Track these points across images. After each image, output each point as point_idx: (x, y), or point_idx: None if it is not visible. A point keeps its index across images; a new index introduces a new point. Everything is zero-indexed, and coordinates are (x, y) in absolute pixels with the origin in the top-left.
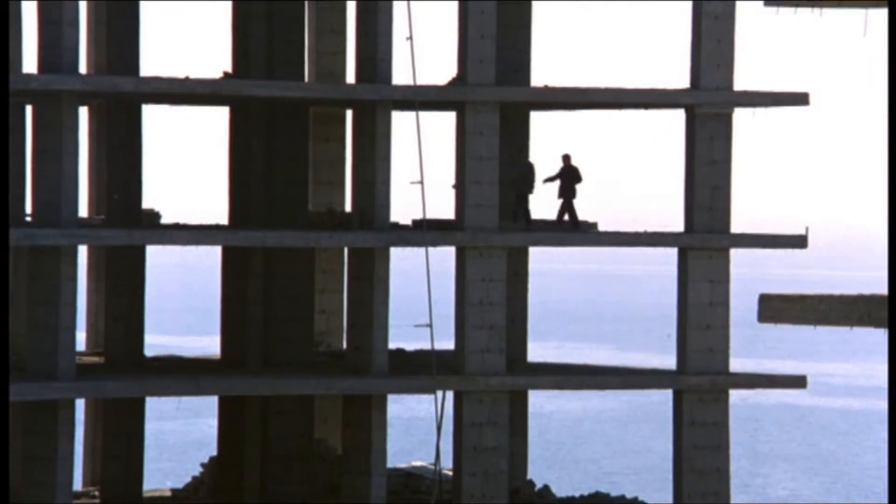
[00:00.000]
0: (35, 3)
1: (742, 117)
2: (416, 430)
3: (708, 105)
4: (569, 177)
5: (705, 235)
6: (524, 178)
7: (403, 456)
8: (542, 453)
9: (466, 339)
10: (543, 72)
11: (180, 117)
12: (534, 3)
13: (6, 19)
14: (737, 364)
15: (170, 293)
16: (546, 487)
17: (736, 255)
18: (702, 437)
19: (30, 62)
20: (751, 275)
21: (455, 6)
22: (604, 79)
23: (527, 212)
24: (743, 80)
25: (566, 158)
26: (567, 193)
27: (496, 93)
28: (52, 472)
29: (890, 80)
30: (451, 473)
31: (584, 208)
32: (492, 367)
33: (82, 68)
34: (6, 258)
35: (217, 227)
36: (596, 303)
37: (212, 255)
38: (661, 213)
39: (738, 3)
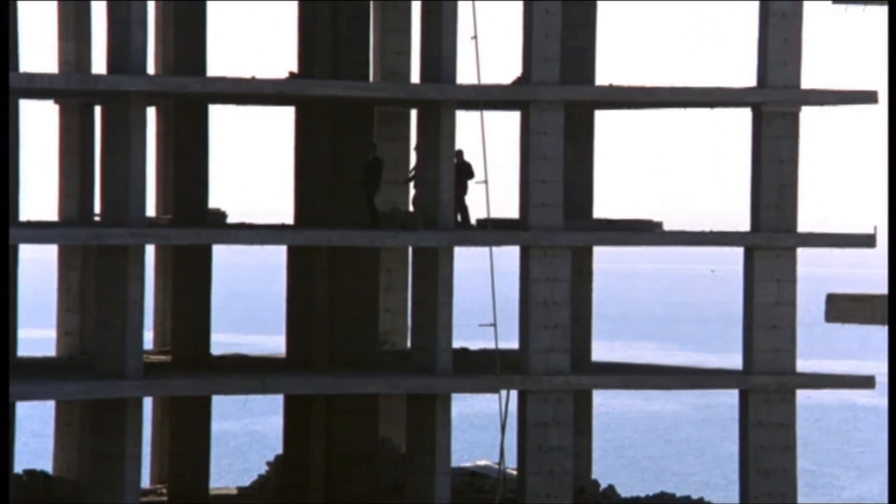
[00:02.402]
0: (104, 4)
1: (810, 116)
2: (481, 429)
3: (775, 104)
4: (461, 174)
5: (772, 234)
6: (371, 174)
7: (468, 455)
8: (606, 453)
9: (531, 338)
10: (608, 70)
11: (246, 117)
12: (598, 1)
13: (6, 19)
14: (804, 364)
15: (236, 292)
16: (611, 487)
17: (803, 254)
18: (768, 438)
19: (99, 63)
20: (818, 274)
21: (520, 5)
22: (669, 77)
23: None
24: (811, 79)
25: (458, 154)
26: (459, 190)
27: (561, 92)
28: (121, 471)
29: (890, 80)
30: (515, 473)
31: (649, 208)
32: (556, 367)
33: (150, 69)
34: (6, 258)
35: (282, 227)
36: (661, 302)
37: (277, 255)
38: (727, 213)
39: (805, 1)
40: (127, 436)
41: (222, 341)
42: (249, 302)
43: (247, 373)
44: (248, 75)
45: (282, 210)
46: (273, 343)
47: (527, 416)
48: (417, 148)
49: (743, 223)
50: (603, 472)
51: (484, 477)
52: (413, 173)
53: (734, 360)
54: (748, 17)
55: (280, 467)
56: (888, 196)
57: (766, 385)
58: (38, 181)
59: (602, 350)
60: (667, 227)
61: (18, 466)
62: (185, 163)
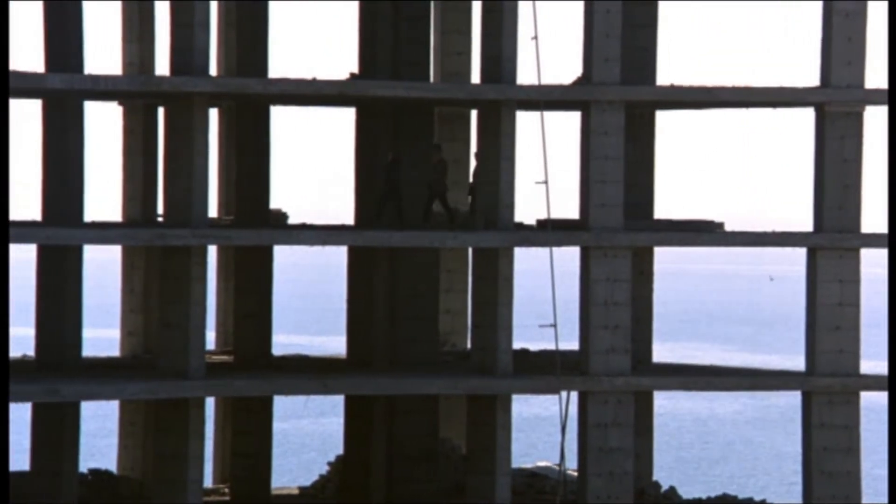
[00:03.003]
0: (167, 6)
1: (874, 115)
2: (541, 430)
3: (838, 103)
4: (437, 172)
5: (835, 235)
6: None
7: (528, 456)
8: (667, 455)
9: (591, 339)
10: (669, 70)
11: (307, 118)
12: (660, 1)
13: (6, 19)
14: (868, 366)
15: (297, 293)
16: (672, 489)
17: (867, 255)
18: (832, 440)
19: (162, 64)
20: (883, 275)
21: (580, 5)
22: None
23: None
24: (875, 78)
25: (436, 150)
26: (439, 189)
27: (622, 92)
28: (184, 470)
29: (890, 80)
30: (575, 474)
31: (711, 208)
32: (617, 368)
33: (212, 70)
34: (6, 258)
35: (343, 228)
36: (723, 303)
37: (338, 256)
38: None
39: (869, 0)
40: (190, 435)
41: (283, 342)
42: (310, 303)
43: (308, 373)
44: (309, 76)
45: (342, 211)
46: (334, 344)
47: (587, 417)
48: (477, 155)
49: (806, 224)
50: (664, 473)
51: (544, 478)
52: (472, 181)
53: (796, 362)
54: (811, 17)
55: (341, 468)
56: (888, 196)
57: (830, 387)
58: (102, 182)
59: (663, 351)
60: (728, 227)
61: (83, 465)
62: (247, 164)
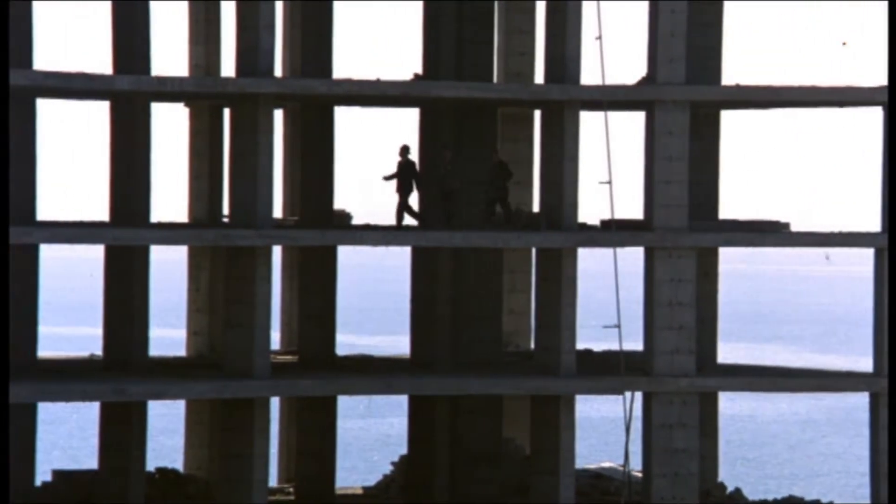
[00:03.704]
0: (233, 8)
1: None
2: (605, 430)
3: None
4: (407, 173)
5: None
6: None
7: (592, 457)
8: (733, 456)
9: (655, 339)
10: (735, 70)
11: (371, 119)
12: (725, 1)
13: (6, 19)
14: None
15: (361, 293)
16: (738, 490)
17: None
18: None
19: (227, 66)
20: None
21: (645, 5)
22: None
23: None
24: None
25: (404, 151)
26: (404, 190)
27: (686, 92)
28: (249, 469)
29: (890, 80)
30: (640, 475)
31: (777, 208)
32: (681, 368)
33: (277, 71)
34: (6, 258)
35: (407, 228)
36: (789, 304)
37: (402, 256)
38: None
39: None
40: (255, 435)
41: (347, 342)
42: (374, 303)
43: (372, 373)
44: (373, 77)
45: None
46: (397, 344)
47: (652, 417)
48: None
49: (873, 224)
50: (730, 474)
51: (609, 479)
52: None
53: (863, 363)
54: (877, 17)
55: (405, 467)
56: (889, 196)
57: None
58: (169, 183)
59: (728, 352)
60: (794, 227)
61: (150, 464)
62: (312, 164)
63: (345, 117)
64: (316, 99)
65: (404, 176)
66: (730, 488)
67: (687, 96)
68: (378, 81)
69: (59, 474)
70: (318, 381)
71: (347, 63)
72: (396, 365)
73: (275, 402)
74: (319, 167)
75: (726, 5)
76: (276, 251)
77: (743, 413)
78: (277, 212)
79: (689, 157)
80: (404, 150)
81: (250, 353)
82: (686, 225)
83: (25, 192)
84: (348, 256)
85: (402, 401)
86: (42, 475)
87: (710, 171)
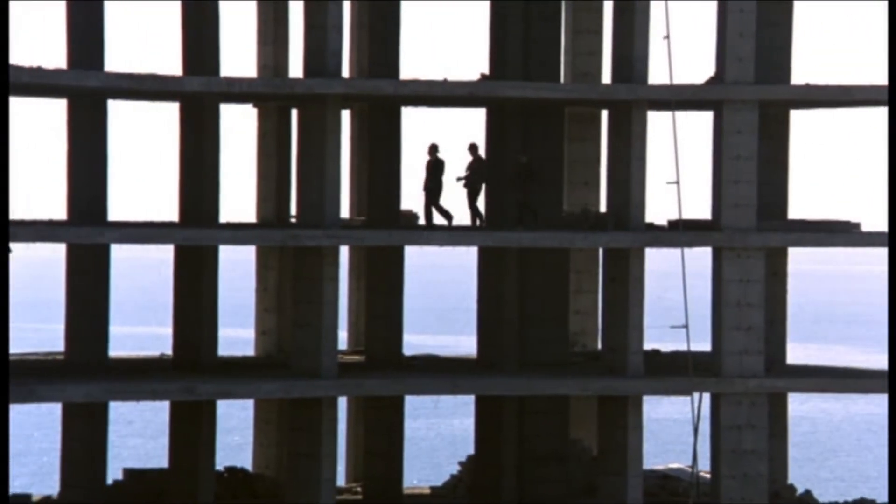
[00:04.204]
0: (301, 7)
1: None
2: (673, 431)
3: None
4: (436, 172)
5: None
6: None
7: (660, 457)
8: (803, 457)
9: (724, 340)
10: (805, 69)
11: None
12: (795, 0)
13: (6, 19)
14: None
15: (428, 293)
16: (808, 492)
17: None
18: None
19: (295, 66)
20: None
21: (713, 5)
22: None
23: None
24: None
25: (473, 149)
26: (434, 187)
27: (755, 91)
28: (317, 469)
29: (890, 79)
30: (708, 476)
31: (845, 208)
32: (750, 369)
33: (345, 72)
34: (6, 258)
35: (473, 228)
36: (860, 304)
37: (469, 256)
38: None
39: None
40: (323, 434)
41: (414, 342)
42: (441, 303)
43: (438, 373)
44: (440, 77)
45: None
46: (464, 344)
47: (720, 418)
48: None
49: None
50: (799, 476)
51: (677, 480)
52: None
53: None
54: None
55: (472, 468)
56: (889, 196)
57: None
58: (237, 184)
59: (797, 352)
60: (865, 227)
61: (220, 463)
62: (379, 165)
63: (412, 118)
64: (383, 99)
65: (433, 175)
66: (800, 490)
67: (756, 96)
68: (445, 82)
69: (129, 473)
70: (385, 381)
71: (414, 63)
72: (463, 365)
73: (342, 402)
74: (386, 167)
75: (796, 4)
76: (344, 251)
77: (813, 414)
78: (345, 212)
79: (757, 156)
80: (433, 149)
81: (318, 352)
82: (754, 225)
83: (97, 192)
84: (415, 256)
85: (469, 401)
86: (113, 474)
87: (780, 170)
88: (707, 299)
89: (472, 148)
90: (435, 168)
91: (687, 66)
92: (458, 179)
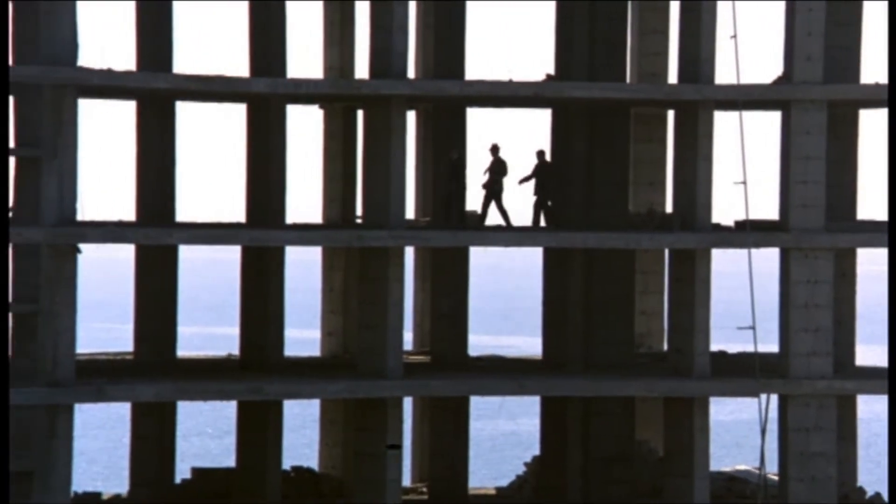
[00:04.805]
0: (367, 8)
1: None
2: (740, 433)
3: None
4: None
5: None
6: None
7: (727, 459)
8: (873, 459)
9: (791, 341)
10: (874, 69)
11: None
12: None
13: (6, 18)
14: None
15: (493, 294)
16: (878, 495)
17: None
18: None
19: (361, 67)
20: None
21: (782, 4)
22: None
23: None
24: None
25: (540, 155)
26: (458, 189)
27: (824, 91)
28: (383, 469)
29: (890, 79)
30: (776, 478)
31: None
32: (818, 371)
33: (410, 73)
34: (6, 258)
35: (537, 229)
36: None
37: (533, 257)
38: None
39: None
40: (388, 434)
41: (479, 343)
42: (506, 304)
43: (504, 374)
44: (505, 78)
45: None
46: (529, 345)
47: (788, 420)
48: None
49: None
50: (870, 479)
51: (744, 482)
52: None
53: None
54: None
55: (537, 468)
56: (888, 196)
57: None
58: (303, 185)
59: (866, 354)
60: None
61: (286, 462)
62: (444, 165)
63: (477, 118)
64: (448, 100)
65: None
66: (869, 492)
67: (824, 95)
68: (510, 82)
69: (197, 472)
70: (450, 382)
71: (480, 64)
72: (528, 366)
73: (408, 402)
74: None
75: (866, 4)
76: (409, 252)
77: (884, 415)
78: (410, 213)
79: (826, 156)
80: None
81: (383, 353)
82: (823, 226)
83: (165, 193)
84: (480, 257)
85: (535, 402)
86: (181, 473)
87: (849, 171)
88: (774, 301)
89: (494, 149)
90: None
91: (754, 65)
92: (521, 182)
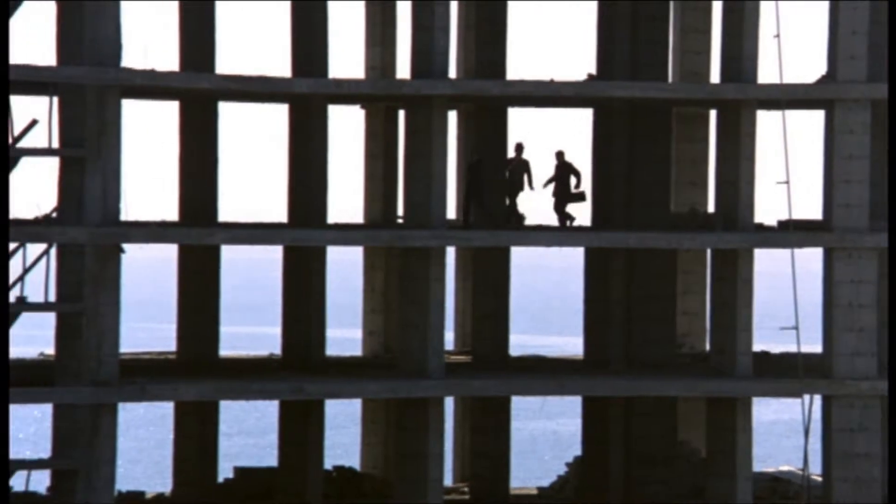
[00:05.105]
0: (409, 8)
1: None
2: (783, 434)
3: None
4: (477, 173)
5: None
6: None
7: (771, 460)
8: None
9: (835, 341)
10: None
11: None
12: None
13: (6, 18)
14: None
15: (534, 294)
16: None
17: None
18: None
19: (403, 68)
20: None
21: (825, 4)
22: None
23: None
24: None
25: (560, 156)
26: (475, 190)
27: (868, 90)
28: (424, 468)
29: (890, 79)
30: (820, 479)
31: None
32: (862, 371)
33: (451, 72)
34: (6, 258)
35: (579, 229)
36: None
37: (574, 257)
38: None
39: None
40: (430, 434)
41: (521, 342)
42: (547, 303)
43: (545, 374)
44: (546, 78)
45: (578, 212)
46: (571, 345)
47: (831, 421)
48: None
49: None
50: None
51: (788, 482)
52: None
53: None
54: None
55: (579, 468)
56: (889, 196)
57: None
58: (345, 184)
59: None
60: None
61: (328, 462)
62: (485, 164)
63: (518, 118)
64: (490, 100)
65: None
66: None
67: (868, 94)
68: (552, 82)
69: (240, 471)
70: (492, 382)
71: (521, 64)
72: (570, 366)
73: (449, 402)
74: (492, 168)
75: None
76: (450, 252)
77: None
78: (451, 212)
79: (870, 155)
80: (560, 154)
81: (424, 353)
82: (866, 225)
83: (207, 194)
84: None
85: (576, 401)
86: (224, 472)
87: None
88: (818, 301)
89: (518, 147)
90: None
91: (798, 64)
92: (546, 185)
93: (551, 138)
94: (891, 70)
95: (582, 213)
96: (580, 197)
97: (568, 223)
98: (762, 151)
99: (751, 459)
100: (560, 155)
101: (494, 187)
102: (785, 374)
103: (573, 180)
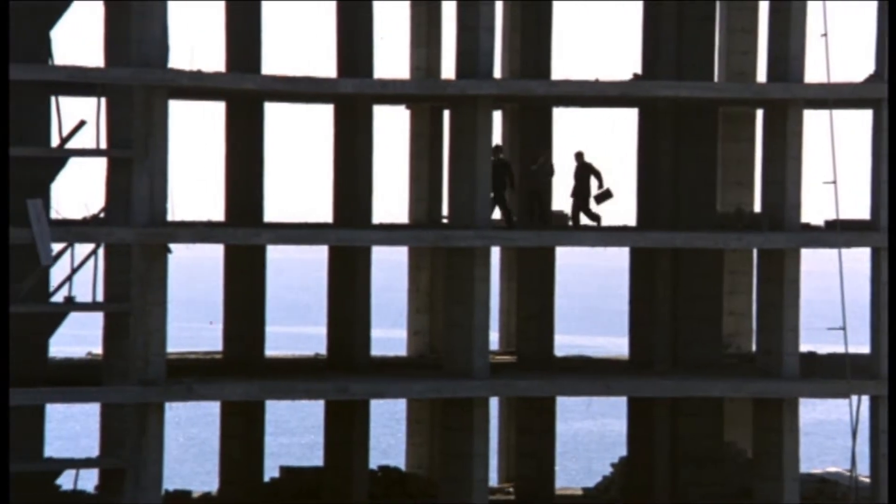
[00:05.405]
0: (454, 9)
1: None
2: (830, 434)
3: None
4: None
5: None
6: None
7: (818, 461)
8: None
9: (882, 342)
10: None
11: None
12: None
13: (6, 19)
14: None
15: (579, 294)
16: None
17: None
18: None
19: (448, 68)
20: None
21: (873, 3)
22: None
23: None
24: None
25: (579, 157)
26: (499, 187)
27: None
28: (469, 469)
29: (890, 78)
30: (867, 480)
31: None
32: None
33: (497, 73)
34: (6, 258)
35: (625, 229)
36: None
37: (620, 257)
38: None
39: None
40: (475, 434)
41: (566, 342)
42: (592, 303)
43: (590, 374)
44: (591, 77)
45: (624, 211)
46: (616, 345)
47: (879, 422)
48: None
49: None
50: None
51: (835, 484)
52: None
53: None
54: None
55: (624, 469)
56: (889, 196)
57: None
58: (390, 184)
59: None
60: None
61: (373, 462)
62: (530, 165)
63: (563, 118)
64: (534, 100)
65: (497, 175)
66: None
67: None
68: (597, 82)
69: (286, 471)
70: (537, 382)
71: (566, 63)
72: (615, 366)
73: (494, 402)
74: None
75: None
76: (495, 252)
77: None
78: (496, 212)
79: None
80: (580, 155)
81: (469, 353)
82: None
83: (253, 194)
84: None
85: (622, 402)
86: (270, 472)
87: None
88: (865, 301)
89: (579, 155)
90: (582, 172)
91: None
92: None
93: (596, 138)
94: (891, 70)
95: (621, 213)
96: (606, 195)
97: (596, 223)
98: (809, 151)
99: (797, 460)
100: (580, 156)
101: (544, 188)
102: (832, 374)
103: (594, 181)
